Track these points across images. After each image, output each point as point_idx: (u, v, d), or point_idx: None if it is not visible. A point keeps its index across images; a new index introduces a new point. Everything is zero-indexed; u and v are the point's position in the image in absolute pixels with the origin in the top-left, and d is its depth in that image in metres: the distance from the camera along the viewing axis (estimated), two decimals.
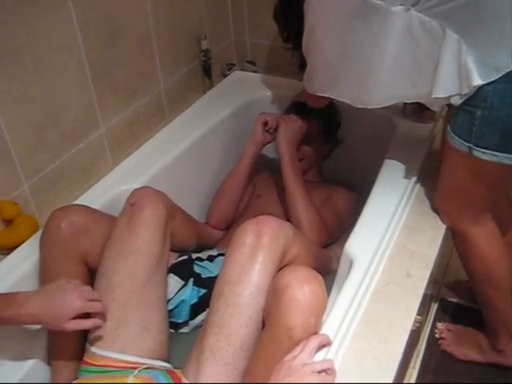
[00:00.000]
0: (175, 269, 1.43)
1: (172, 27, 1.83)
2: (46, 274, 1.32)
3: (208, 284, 1.40)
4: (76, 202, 1.49)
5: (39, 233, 1.38)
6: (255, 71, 2.21)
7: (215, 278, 1.22)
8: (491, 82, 1.13)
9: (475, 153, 1.21)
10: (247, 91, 2.07)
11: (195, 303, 1.43)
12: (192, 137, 1.81)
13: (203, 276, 1.46)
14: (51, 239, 1.31)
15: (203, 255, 1.53)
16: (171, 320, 1.40)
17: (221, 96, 2.04)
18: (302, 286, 1.04)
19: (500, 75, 1.11)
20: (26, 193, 1.42)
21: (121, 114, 1.69)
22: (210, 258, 1.52)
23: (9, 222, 1.40)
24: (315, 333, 1.06)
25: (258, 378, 1.06)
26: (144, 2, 1.67)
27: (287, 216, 1.67)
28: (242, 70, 2.23)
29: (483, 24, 1.11)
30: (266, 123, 1.78)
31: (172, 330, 1.41)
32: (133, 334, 1.23)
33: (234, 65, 2.22)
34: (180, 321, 1.43)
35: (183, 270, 1.44)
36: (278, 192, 1.85)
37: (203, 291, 1.43)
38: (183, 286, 1.42)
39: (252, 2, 2.09)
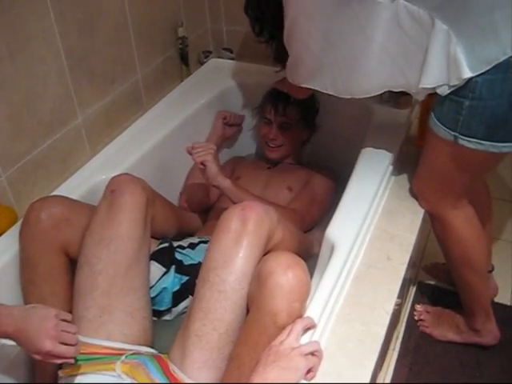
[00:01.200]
0: (156, 256, 1.42)
1: (148, 15, 1.81)
2: (26, 265, 1.31)
3: (190, 271, 1.40)
4: (54, 192, 1.48)
5: (18, 224, 1.36)
6: (232, 58, 2.21)
7: (197, 264, 1.22)
8: (480, 73, 1.13)
9: (461, 141, 1.23)
10: (224, 78, 2.07)
11: (177, 290, 1.43)
12: (170, 125, 1.81)
13: (185, 263, 1.46)
14: (31, 231, 1.30)
15: (184, 243, 1.53)
16: (153, 308, 1.40)
17: (198, 84, 2.03)
18: (285, 272, 1.05)
19: (489, 67, 1.12)
20: (3, 184, 1.40)
21: (98, 103, 1.67)
22: (192, 246, 1.52)
23: None
24: (299, 317, 1.07)
25: (244, 363, 1.07)
26: None
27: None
28: (219, 57, 2.22)
29: (473, 15, 1.11)
30: (225, 118, 1.92)
31: (154, 318, 1.41)
32: (117, 320, 1.22)
33: (210, 52, 2.21)
34: (162, 308, 1.43)
35: (164, 257, 1.44)
36: (256, 174, 1.87)
37: (185, 278, 1.43)
38: (165, 273, 1.42)
39: None
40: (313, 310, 1.12)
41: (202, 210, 1.86)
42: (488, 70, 1.13)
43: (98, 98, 1.67)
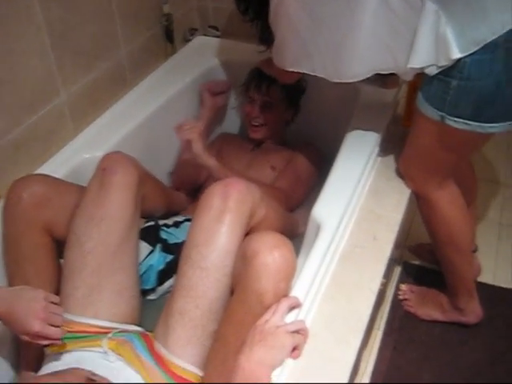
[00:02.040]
0: (143, 234, 1.42)
1: None
2: (9, 245, 1.30)
3: (175, 250, 1.40)
4: (37, 172, 1.46)
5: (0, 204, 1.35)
6: (218, 36, 2.18)
7: (182, 243, 1.22)
8: (469, 54, 1.13)
9: (447, 121, 1.23)
10: (210, 56, 2.05)
11: (162, 269, 1.43)
12: (155, 103, 1.78)
13: (170, 242, 1.46)
14: (13, 210, 1.28)
15: (169, 221, 1.53)
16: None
17: (183, 61, 2.01)
18: (271, 251, 1.04)
19: (478, 47, 1.11)
20: None
21: (81, 81, 1.64)
22: (176, 224, 1.52)
23: None
24: (286, 295, 1.07)
25: (229, 342, 1.07)
26: None
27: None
28: (205, 34, 2.19)
29: None
30: (209, 88, 1.89)
31: None
32: (106, 299, 1.22)
33: (196, 30, 2.18)
34: (148, 287, 1.43)
35: (150, 236, 1.44)
36: (239, 155, 1.86)
37: (170, 257, 1.43)
38: (151, 252, 1.42)
39: None
40: (298, 289, 1.12)
41: (193, 189, 1.84)
42: (476, 51, 1.12)
43: (82, 75, 1.64)
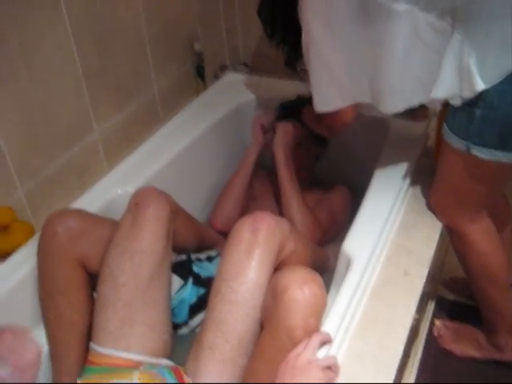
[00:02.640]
0: (175, 268, 1.42)
1: (165, 29, 1.82)
2: (43, 278, 1.32)
3: (207, 283, 1.40)
4: (71, 207, 1.49)
5: (35, 238, 1.37)
6: (248, 73, 2.21)
7: (214, 277, 1.22)
8: None
9: (473, 151, 1.21)
10: (240, 93, 2.08)
11: (194, 303, 1.43)
12: (187, 139, 1.81)
13: (202, 276, 1.46)
14: (48, 244, 1.31)
15: (202, 256, 1.54)
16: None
17: (214, 98, 2.04)
18: (301, 287, 1.04)
19: (501, 80, 1.11)
20: (21, 198, 1.41)
21: (115, 118, 1.68)
22: (209, 259, 1.52)
23: (4, 229, 1.39)
24: (316, 331, 1.06)
25: (261, 379, 1.06)
26: (136, 4, 1.66)
27: (281, 214, 1.68)
28: (235, 71, 2.23)
29: (483, 23, 1.10)
30: (263, 126, 1.85)
31: None
32: (138, 332, 1.23)
33: (226, 66, 2.22)
34: (179, 321, 1.43)
35: (183, 270, 1.45)
36: (272, 193, 1.87)
37: (202, 291, 1.43)
38: (183, 286, 1.42)
39: (244, 3, 2.10)
40: (329, 325, 1.11)
41: None
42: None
43: (115, 112, 1.68)
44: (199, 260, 1.51)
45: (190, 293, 1.43)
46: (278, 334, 1.04)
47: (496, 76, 1.12)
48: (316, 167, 2.01)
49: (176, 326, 1.43)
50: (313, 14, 1.27)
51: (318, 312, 1.06)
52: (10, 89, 1.32)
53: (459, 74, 1.16)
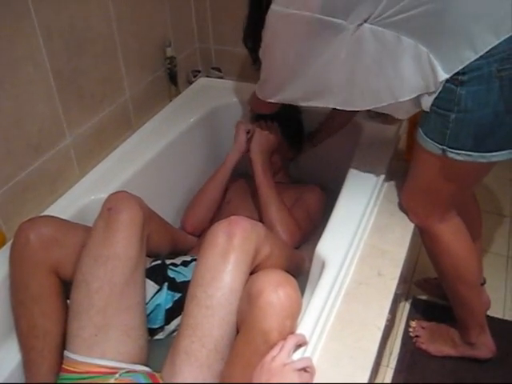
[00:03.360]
0: (149, 273, 1.42)
1: (136, 35, 1.82)
2: (16, 287, 1.30)
3: (182, 288, 1.40)
4: (44, 214, 1.47)
5: (7, 246, 1.36)
6: (220, 77, 2.22)
7: (190, 282, 1.22)
8: (464, 86, 1.14)
9: (449, 154, 1.23)
10: (213, 97, 2.08)
11: (170, 308, 1.42)
12: (159, 144, 1.80)
13: (178, 280, 1.46)
14: (20, 252, 1.29)
15: (177, 261, 1.53)
16: (147, 326, 1.40)
17: (187, 103, 2.04)
18: (276, 290, 1.04)
19: (462, 66, 1.12)
20: None
21: (87, 124, 1.67)
22: (185, 264, 1.52)
23: None
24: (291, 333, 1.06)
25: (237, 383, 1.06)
26: (107, 9, 1.66)
27: (260, 220, 1.68)
28: (208, 76, 2.23)
29: (446, 30, 1.13)
30: (248, 132, 1.83)
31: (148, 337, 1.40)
32: (113, 339, 1.22)
33: (199, 71, 2.22)
34: (155, 326, 1.42)
35: (157, 275, 1.44)
36: (247, 197, 1.87)
37: (178, 295, 1.43)
38: (158, 291, 1.42)
39: (215, 8, 2.10)
40: (304, 327, 1.11)
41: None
42: (472, 82, 1.14)
43: (87, 118, 1.67)
44: (174, 265, 1.50)
45: (166, 298, 1.43)
46: (253, 338, 1.04)
47: (458, 63, 1.13)
48: (290, 168, 2.03)
49: (152, 332, 1.43)
50: (271, 23, 1.35)
51: (293, 315, 1.06)
52: None
53: (421, 72, 1.18)
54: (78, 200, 1.56)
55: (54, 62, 1.48)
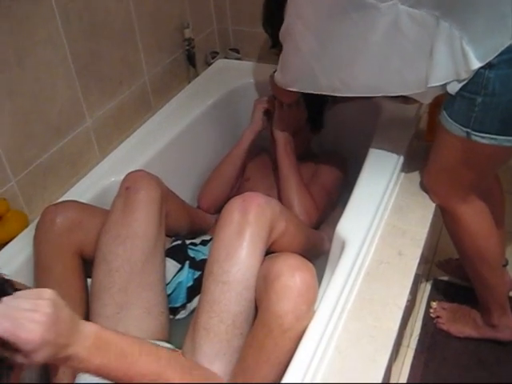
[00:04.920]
0: (170, 253, 1.43)
1: (154, 16, 1.81)
2: (40, 269, 1.32)
3: (202, 266, 1.40)
4: (65, 196, 1.49)
5: (30, 228, 1.38)
6: (239, 58, 2.21)
7: None
8: (492, 69, 1.12)
9: (474, 137, 1.21)
10: (231, 79, 2.07)
11: (191, 285, 1.44)
12: (179, 126, 1.81)
13: (197, 259, 1.47)
14: (46, 234, 1.31)
15: (197, 240, 1.54)
16: (170, 305, 1.41)
17: (206, 84, 2.03)
18: (293, 274, 1.04)
19: (496, 54, 1.10)
20: (14, 188, 1.41)
21: (106, 106, 1.68)
22: (204, 243, 1.53)
23: None
24: (306, 320, 1.06)
25: (249, 365, 1.07)
26: None
27: (278, 197, 1.68)
28: (226, 57, 2.22)
29: (480, 9, 1.10)
30: (266, 111, 1.82)
31: (170, 316, 1.42)
32: (135, 316, 1.23)
33: (217, 53, 2.22)
34: (178, 304, 1.44)
35: (178, 254, 1.45)
36: (266, 174, 1.87)
37: (198, 273, 1.44)
38: (180, 270, 1.43)
39: None
40: (324, 307, 1.11)
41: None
42: (501, 65, 1.11)
43: (106, 100, 1.68)
44: (194, 244, 1.51)
45: (187, 276, 1.44)
46: (268, 320, 1.05)
47: (491, 51, 1.10)
48: (312, 144, 2.02)
49: (174, 310, 1.44)
50: (294, 5, 1.31)
51: (309, 300, 1.06)
52: (0, 80, 1.31)
53: (452, 58, 1.15)
54: (98, 182, 1.57)
55: (72, 45, 1.49)
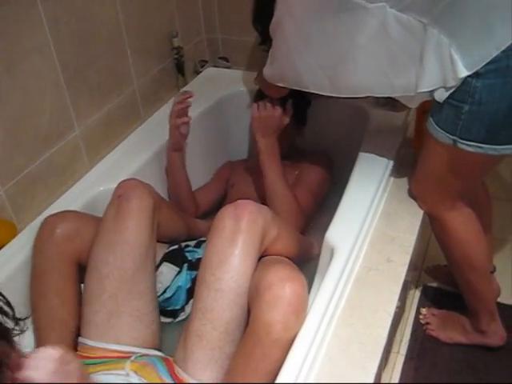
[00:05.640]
0: (168, 257, 1.44)
1: (143, 25, 1.82)
2: (37, 278, 1.32)
3: (199, 266, 1.41)
4: (54, 205, 1.49)
5: (18, 237, 1.38)
6: (228, 67, 2.22)
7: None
8: (479, 78, 1.13)
9: (460, 145, 1.22)
10: (221, 87, 2.08)
11: (190, 287, 1.45)
12: (167, 135, 1.80)
13: (194, 259, 1.48)
14: (45, 243, 1.32)
15: (191, 243, 1.56)
16: (170, 308, 1.43)
17: (195, 93, 2.02)
18: (283, 285, 1.05)
19: (483, 64, 1.11)
20: (2, 198, 1.40)
21: (95, 115, 1.68)
22: (198, 244, 1.55)
23: None
24: (294, 331, 1.06)
25: (237, 373, 1.07)
26: (114, 1, 1.66)
27: (264, 202, 1.69)
28: (215, 66, 2.23)
29: (468, 18, 1.11)
30: (177, 116, 1.79)
31: (171, 319, 1.43)
32: (125, 324, 1.24)
33: (206, 61, 2.22)
34: (178, 307, 1.45)
35: (176, 258, 1.47)
36: (251, 180, 1.87)
37: (195, 273, 1.44)
38: (178, 273, 1.43)
39: None
40: (314, 314, 1.11)
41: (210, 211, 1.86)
42: (488, 75, 1.12)
43: (95, 109, 1.68)
44: (188, 246, 1.52)
45: (185, 278, 1.45)
46: (257, 329, 1.05)
47: (479, 61, 1.11)
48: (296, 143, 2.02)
49: (174, 313, 1.46)
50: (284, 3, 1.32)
51: (299, 310, 1.07)
52: None
53: (441, 65, 1.16)
54: (87, 191, 1.57)
55: (61, 53, 1.49)
